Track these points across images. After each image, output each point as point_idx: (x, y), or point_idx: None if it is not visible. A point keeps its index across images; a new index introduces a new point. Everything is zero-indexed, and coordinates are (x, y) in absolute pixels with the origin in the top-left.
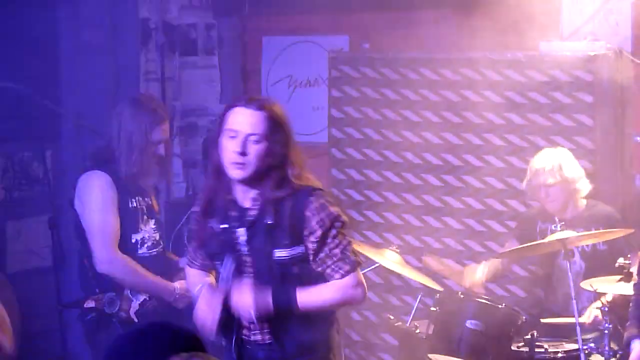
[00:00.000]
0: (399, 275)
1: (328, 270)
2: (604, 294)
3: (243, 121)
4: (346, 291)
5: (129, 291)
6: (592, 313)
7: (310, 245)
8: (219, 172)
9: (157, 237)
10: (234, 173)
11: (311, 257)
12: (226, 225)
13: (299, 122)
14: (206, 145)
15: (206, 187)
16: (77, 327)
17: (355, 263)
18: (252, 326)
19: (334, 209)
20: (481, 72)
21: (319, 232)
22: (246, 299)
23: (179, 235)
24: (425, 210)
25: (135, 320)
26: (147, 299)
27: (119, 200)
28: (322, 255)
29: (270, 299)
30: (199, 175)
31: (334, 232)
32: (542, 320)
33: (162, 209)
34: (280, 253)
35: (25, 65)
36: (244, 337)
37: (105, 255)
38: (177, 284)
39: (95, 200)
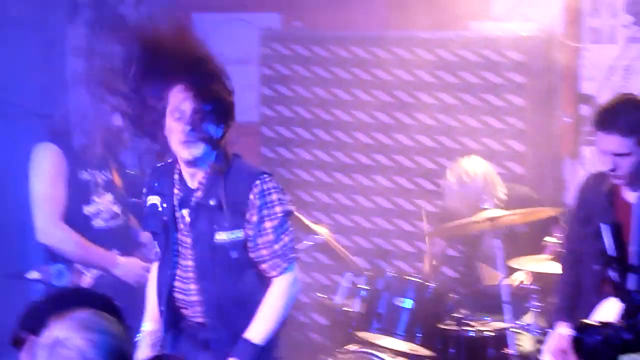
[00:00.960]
0: (328, 255)
1: (265, 266)
2: (534, 272)
3: (177, 100)
4: (286, 291)
5: (80, 265)
6: (518, 277)
7: (250, 232)
8: (164, 153)
9: (116, 210)
10: (184, 153)
11: (250, 245)
12: (171, 205)
13: None
14: None
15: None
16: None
17: (294, 260)
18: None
19: (280, 197)
20: (413, 51)
21: (258, 218)
22: None
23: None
24: (355, 189)
25: None
26: (105, 274)
27: (69, 172)
28: (260, 246)
29: None
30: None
31: (275, 222)
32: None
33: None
34: (220, 236)
35: None
36: (184, 317)
37: (45, 225)
38: (123, 259)
39: (41, 171)
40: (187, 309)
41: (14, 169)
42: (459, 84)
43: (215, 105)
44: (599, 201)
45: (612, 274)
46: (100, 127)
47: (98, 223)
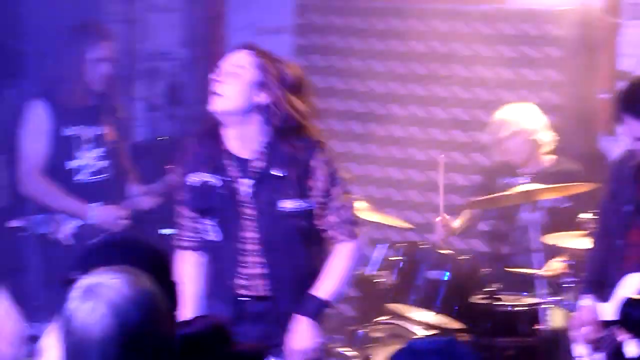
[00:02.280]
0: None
1: (331, 232)
2: (568, 248)
3: (227, 58)
4: (353, 255)
5: (63, 214)
6: (552, 266)
7: (317, 200)
8: (210, 122)
9: (103, 165)
10: (211, 105)
11: (317, 212)
12: (226, 178)
13: None
14: (172, 88)
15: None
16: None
17: (359, 225)
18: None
19: (338, 164)
20: (450, 23)
21: (324, 186)
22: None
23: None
24: (388, 161)
25: (73, 242)
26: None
27: (54, 129)
28: (328, 213)
29: (313, 327)
30: (161, 119)
31: (339, 189)
32: (506, 270)
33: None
34: (284, 204)
35: None
36: (240, 292)
37: (24, 177)
38: (95, 209)
39: (25, 127)
40: (247, 283)
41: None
42: (496, 58)
43: (262, 63)
44: (625, 178)
45: None
46: (86, 76)
47: (80, 177)
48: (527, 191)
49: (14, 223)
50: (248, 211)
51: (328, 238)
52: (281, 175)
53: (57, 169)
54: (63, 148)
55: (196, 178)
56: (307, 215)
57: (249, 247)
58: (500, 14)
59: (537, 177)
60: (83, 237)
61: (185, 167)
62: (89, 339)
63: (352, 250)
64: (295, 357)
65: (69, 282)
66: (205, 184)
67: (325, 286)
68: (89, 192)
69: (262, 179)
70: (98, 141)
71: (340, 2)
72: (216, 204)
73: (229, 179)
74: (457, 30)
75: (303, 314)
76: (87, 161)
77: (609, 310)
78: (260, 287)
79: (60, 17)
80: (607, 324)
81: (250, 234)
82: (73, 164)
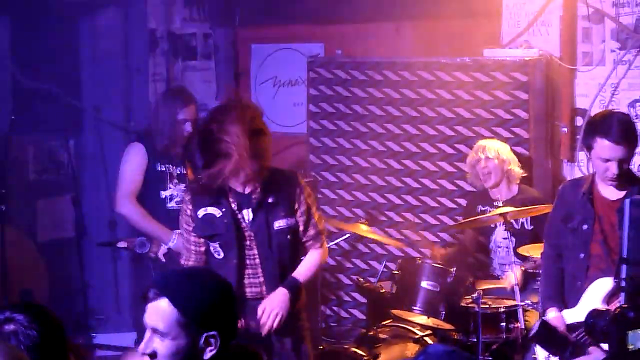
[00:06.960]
0: (365, 244)
1: (311, 241)
2: (533, 259)
3: None
4: (321, 258)
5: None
6: (509, 278)
7: (300, 218)
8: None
9: None
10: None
11: (301, 228)
12: (225, 209)
13: (282, 115)
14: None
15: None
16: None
17: (325, 237)
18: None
19: (313, 191)
20: (435, 73)
21: (304, 207)
22: (276, 309)
23: None
24: (387, 189)
25: (163, 260)
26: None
27: (149, 164)
28: (309, 227)
29: (287, 296)
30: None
31: (315, 207)
32: (478, 288)
33: None
34: (278, 224)
35: (54, 69)
36: (246, 294)
37: (119, 199)
38: (176, 236)
39: (124, 162)
40: (255, 288)
41: (105, 168)
42: (474, 101)
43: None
44: (579, 200)
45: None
46: (175, 133)
47: (172, 205)
48: (501, 214)
49: (121, 244)
50: (248, 233)
51: (306, 246)
52: (274, 202)
53: (154, 197)
54: (158, 179)
55: (204, 213)
56: (293, 230)
57: (253, 260)
58: (476, 64)
59: (507, 204)
60: (172, 258)
61: (193, 204)
62: None
63: (323, 253)
64: (265, 314)
65: (144, 298)
66: (211, 216)
67: (303, 272)
68: (177, 217)
69: (259, 207)
70: (182, 177)
71: (343, 58)
72: (220, 231)
73: (233, 210)
74: (441, 79)
75: (283, 286)
76: (177, 192)
77: (575, 314)
78: (260, 289)
79: (112, 78)
80: (575, 327)
81: (251, 251)
82: (166, 193)
